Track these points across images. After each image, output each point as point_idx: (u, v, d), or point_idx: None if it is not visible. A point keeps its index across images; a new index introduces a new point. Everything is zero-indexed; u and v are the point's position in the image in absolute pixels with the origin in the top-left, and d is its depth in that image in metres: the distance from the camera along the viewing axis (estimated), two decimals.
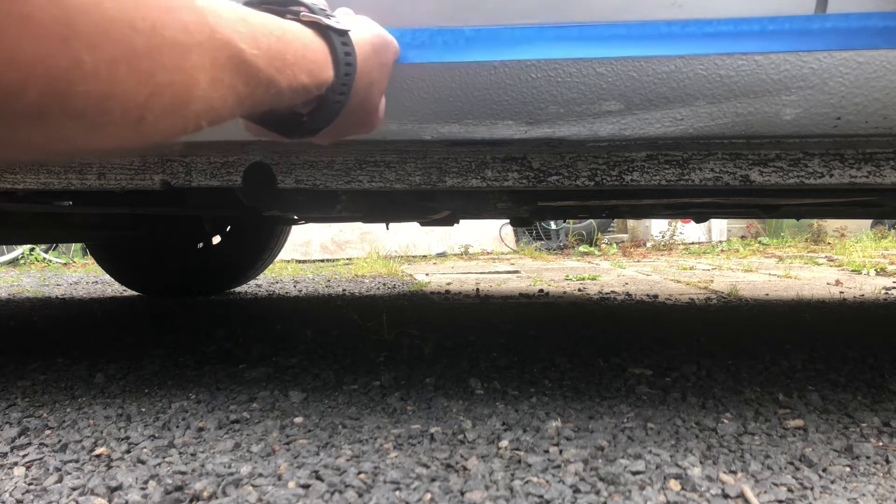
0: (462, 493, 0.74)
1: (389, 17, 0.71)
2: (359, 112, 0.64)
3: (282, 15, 0.54)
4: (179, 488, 0.76)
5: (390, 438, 0.92)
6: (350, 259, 5.34)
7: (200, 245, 2.58)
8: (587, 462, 0.82)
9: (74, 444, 0.93)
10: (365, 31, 0.63)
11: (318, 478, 0.78)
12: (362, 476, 0.78)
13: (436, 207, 1.34)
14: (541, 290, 2.76)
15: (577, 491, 0.75)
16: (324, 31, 0.56)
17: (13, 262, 5.52)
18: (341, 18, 0.59)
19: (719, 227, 7.18)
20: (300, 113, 0.60)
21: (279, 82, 0.49)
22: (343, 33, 0.58)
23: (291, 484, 0.77)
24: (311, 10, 0.56)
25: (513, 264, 4.67)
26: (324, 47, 0.56)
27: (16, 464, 0.86)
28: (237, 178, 0.97)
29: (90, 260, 5.03)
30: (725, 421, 0.97)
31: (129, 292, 2.88)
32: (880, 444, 0.90)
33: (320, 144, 0.71)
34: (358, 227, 5.73)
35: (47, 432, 0.98)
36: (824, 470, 0.81)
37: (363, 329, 1.69)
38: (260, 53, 0.46)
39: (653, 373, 1.24)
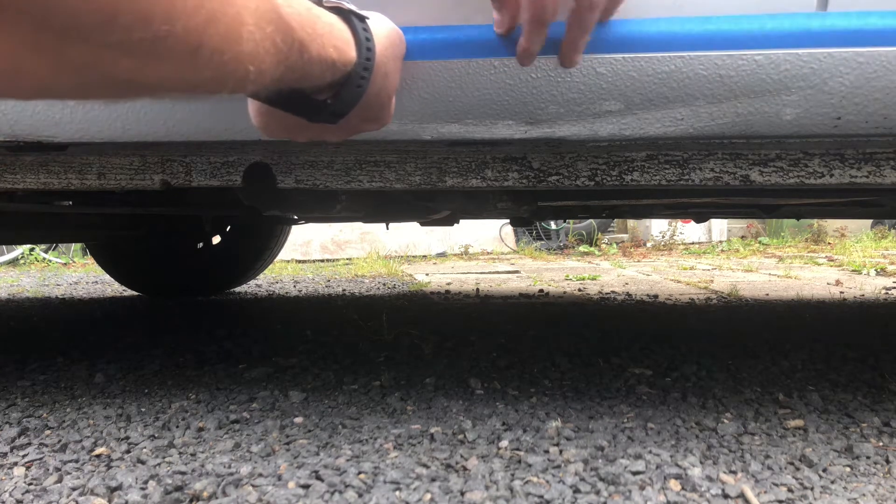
0: (462, 494, 0.74)
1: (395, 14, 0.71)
2: (374, 104, 0.66)
3: None
4: (179, 488, 0.76)
5: (390, 438, 0.92)
6: (350, 259, 5.34)
7: (200, 245, 2.58)
8: (587, 462, 0.82)
9: (74, 444, 0.93)
10: (381, 24, 0.66)
11: (318, 478, 0.78)
12: (362, 476, 0.78)
13: (436, 207, 1.34)
14: (541, 290, 2.76)
15: (577, 491, 0.75)
16: (346, 15, 0.59)
17: (13, 262, 5.52)
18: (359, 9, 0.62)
19: (719, 227, 7.17)
20: (323, 98, 0.62)
21: (310, 49, 0.52)
22: (363, 19, 0.61)
23: (291, 484, 0.77)
24: None
25: (513, 264, 4.67)
26: (346, 29, 0.59)
27: (16, 464, 0.86)
28: (237, 178, 0.97)
29: (90, 260, 5.03)
30: (725, 421, 0.97)
31: (129, 292, 2.88)
32: (880, 444, 0.90)
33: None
34: (358, 227, 5.73)
35: (47, 432, 0.98)
36: (824, 470, 0.81)
37: (363, 329, 1.69)
38: (293, 14, 0.50)
39: (653, 373, 1.24)
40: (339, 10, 0.59)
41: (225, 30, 0.42)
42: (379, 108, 0.68)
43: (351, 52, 0.59)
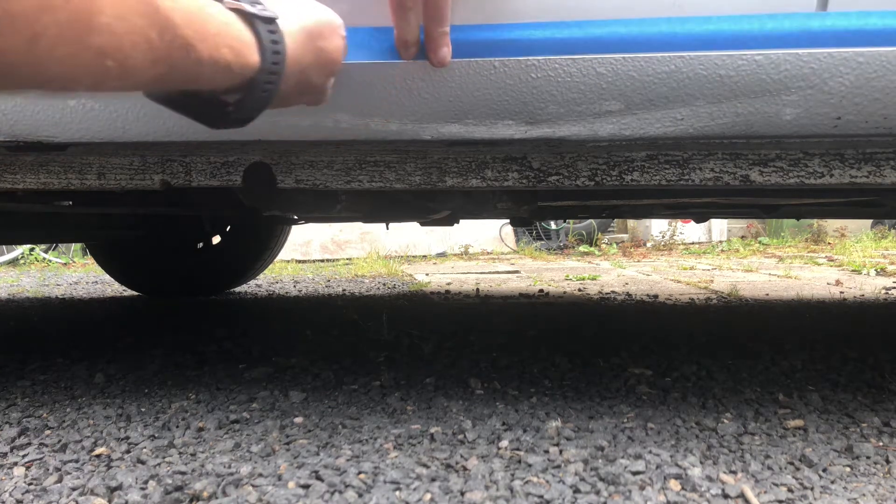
0: (462, 494, 0.74)
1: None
2: (293, 93, 0.64)
3: None
4: (179, 488, 0.76)
5: (390, 438, 0.92)
6: (350, 259, 5.34)
7: (200, 245, 2.58)
8: (587, 462, 0.82)
9: (74, 444, 0.93)
10: (299, 16, 0.62)
11: (318, 478, 0.78)
12: (362, 476, 0.78)
13: (436, 207, 1.34)
14: (541, 291, 2.76)
15: (577, 491, 0.75)
16: (248, 18, 0.55)
17: (13, 262, 5.52)
18: (269, 5, 0.58)
19: (719, 227, 7.17)
20: (226, 101, 0.58)
21: (200, 50, 0.49)
22: (269, 21, 0.57)
23: (291, 484, 0.77)
24: None
25: (513, 264, 4.67)
26: (246, 30, 0.55)
27: (16, 464, 0.86)
28: (237, 178, 0.97)
29: (90, 260, 5.03)
30: (725, 421, 0.97)
31: (129, 292, 2.88)
32: (880, 444, 0.90)
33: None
34: (358, 227, 5.73)
35: (47, 432, 0.98)
36: (824, 470, 0.81)
37: (363, 329, 1.69)
38: (177, 10, 0.46)
39: (653, 373, 1.24)
40: (239, 12, 0.55)
41: (67, 19, 0.39)
42: (305, 96, 0.66)
43: (252, 56, 0.55)
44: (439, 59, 0.74)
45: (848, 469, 0.82)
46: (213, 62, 0.51)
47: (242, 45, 0.54)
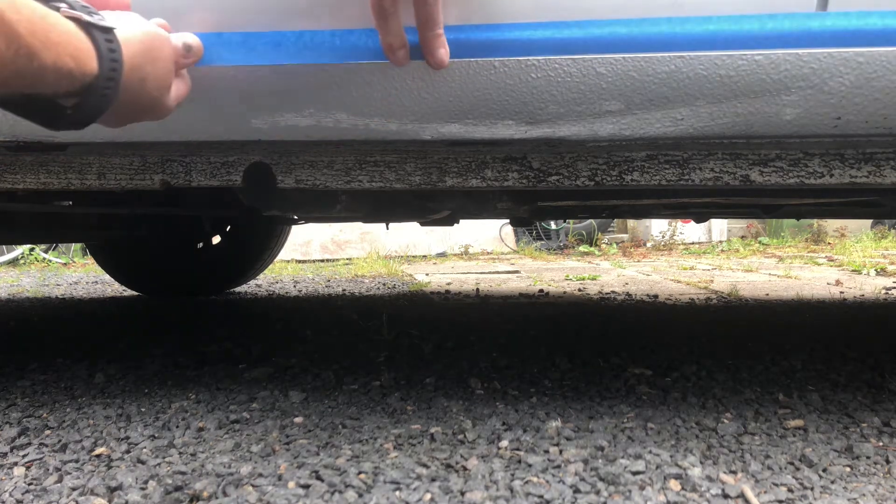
0: (462, 494, 0.74)
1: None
2: (135, 104, 0.67)
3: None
4: (179, 488, 0.76)
5: (390, 438, 0.92)
6: (350, 259, 5.34)
7: (200, 245, 2.58)
8: (587, 462, 0.82)
9: (74, 444, 0.93)
10: (135, 29, 0.65)
11: (318, 478, 0.78)
12: (362, 476, 0.78)
13: (436, 207, 1.34)
14: (541, 291, 2.76)
15: (577, 491, 0.75)
16: (86, 27, 0.59)
17: (13, 262, 5.52)
18: (107, 17, 0.62)
19: (719, 227, 7.17)
20: (64, 105, 0.61)
21: (43, 57, 0.53)
22: (107, 30, 0.60)
23: (291, 484, 0.77)
24: (71, 6, 0.58)
25: (513, 264, 4.67)
26: (86, 39, 0.58)
27: (16, 464, 0.86)
28: (237, 178, 0.97)
29: (90, 260, 5.03)
30: (725, 421, 0.97)
31: (129, 292, 2.88)
32: (880, 444, 0.90)
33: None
34: (358, 227, 5.73)
35: (47, 432, 0.98)
36: (824, 470, 0.81)
37: (363, 329, 1.69)
38: (21, 20, 0.50)
39: (653, 373, 1.24)
40: (77, 21, 0.58)
41: None
42: (148, 106, 0.69)
43: (91, 64, 0.58)
44: (437, 62, 0.74)
45: (848, 469, 0.82)
46: (55, 69, 0.55)
47: (82, 53, 0.58)
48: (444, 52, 0.74)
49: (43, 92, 0.57)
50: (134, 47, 0.64)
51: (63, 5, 0.58)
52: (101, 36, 0.60)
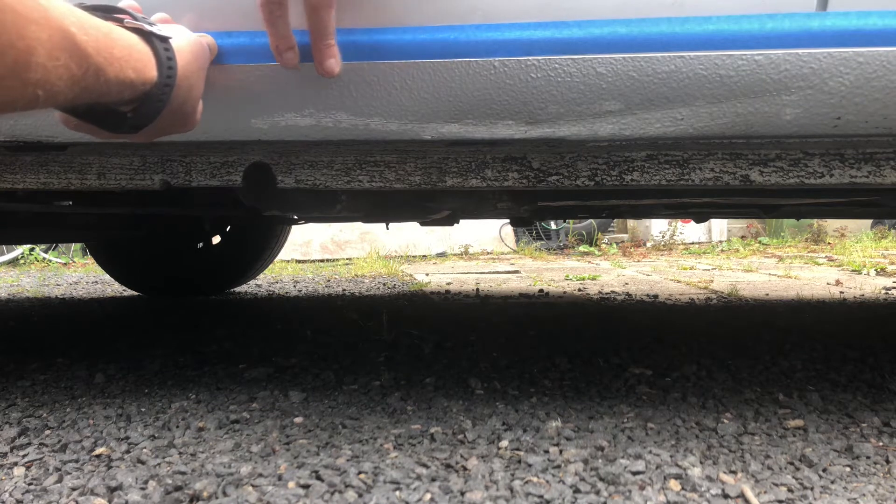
0: (462, 494, 0.74)
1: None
2: (178, 113, 0.69)
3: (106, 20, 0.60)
4: (179, 488, 0.76)
5: (390, 438, 0.92)
6: (350, 259, 5.34)
7: (200, 245, 2.58)
8: (587, 462, 0.82)
9: (74, 444, 0.93)
10: (184, 39, 0.69)
11: (318, 478, 0.78)
12: (362, 476, 0.78)
13: (436, 207, 1.34)
14: (541, 290, 2.76)
15: (577, 491, 0.75)
16: (147, 36, 0.62)
17: (13, 262, 5.52)
18: (162, 27, 0.66)
19: (719, 227, 7.17)
20: (124, 111, 0.65)
21: (108, 72, 0.56)
22: (164, 39, 0.64)
23: (291, 484, 0.77)
24: (134, 18, 0.63)
25: (513, 264, 4.67)
26: (147, 50, 0.62)
27: (16, 464, 0.86)
28: (237, 178, 0.97)
29: (90, 260, 5.03)
30: (725, 421, 0.97)
31: (129, 292, 2.88)
32: (880, 444, 0.90)
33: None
34: (358, 227, 5.73)
35: (47, 432, 0.98)
36: (824, 470, 0.81)
37: (363, 329, 1.69)
38: (90, 41, 0.53)
39: (653, 373, 1.24)
40: (139, 31, 0.62)
41: (12, 61, 0.46)
42: (183, 116, 0.71)
43: (151, 72, 0.62)
44: (325, 71, 0.76)
45: (848, 469, 0.82)
46: (119, 82, 0.58)
47: (143, 64, 0.61)
48: (333, 61, 0.76)
49: (106, 101, 0.60)
50: (186, 56, 0.67)
51: (126, 17, 0.62)
52: (161, 45, 0.63)
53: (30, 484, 0.80)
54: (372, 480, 0.78)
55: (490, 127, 0.80)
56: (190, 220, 2.40)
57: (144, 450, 0.89)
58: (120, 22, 0.61)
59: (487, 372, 1.26)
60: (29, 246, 5.58)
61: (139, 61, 0.60)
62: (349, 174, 0.95)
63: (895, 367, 1.28)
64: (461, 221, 2.09)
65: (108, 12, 0.61)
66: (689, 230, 6.80)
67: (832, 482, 0.78)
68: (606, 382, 1.18)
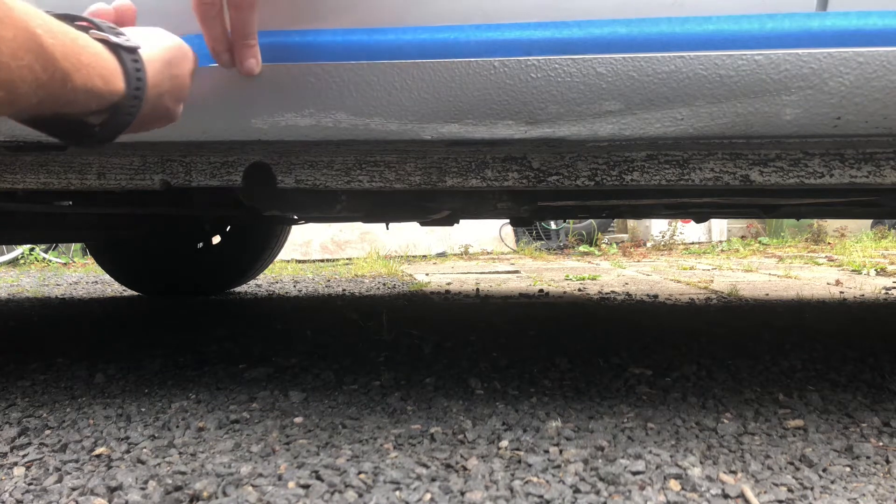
0: (462, 494, 0.74)
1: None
2: (150, 118, 0.69)
3: None
4: (179, 488, 0.76)
5: (390, 438, 0.92)
6: (350, 259, 5.34)
7: (200, 245, 2.58)
8: (587, 462, 0.82)
9: (74, 444, 0.93)
10: (157, 46, 0.67)
11: (318, 478, 0.78)
12: (362, 476, 0.78)
13: (436, 207, 1.34)
14: (541, 290, 2.76)
15: (577, 491, 0.75)
16: (114, 48, 0.61)
17: (13, 262, 5.52)
18: (131, 36, 0.63)
19: (719, 227, 7.17)
20: (91, 123, 0.64)
21: (75, 79, 0.54)
22: (132, 51, 0.62)
23: (291, 484, 0.77)
24: (100, 28, 0.61)
25: (513, 264, 4.67)
26: (114, 60, 0.60)
27: (16, 464, 0.86)
28: (237, 178, 0.97)
29: (90, 260, 5.03)
30: (725, 421, 0.97)
31: (129, 292, 2.88)
32: (880, 444, 0.90)
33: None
34: (358, 227, 5.73)
35: (47, 432, 0.98)
36: (824, 470, 0.81)
37: (363, 329, 1.69)
38: (57, 45, 0.52)
39: (653, 373, 1.24)
40: (105, 42, 0.60)
41: None
42: (156, 119, 0.71)
43: (119, 84, 0.61)
44: (245, 70, 0.77)
45: (848, 469, 0.82)
46: (86, 90, 0.57)
47: (110, 74, 0.60)
48: (253, 62, 0.77)
49: (72, 111, 0.59)
50: (156, 65, 0.66)
51: (92, 28, 0.60)
52: (128, 56, 0.62)
53: (30, 484, 0.80)
54: (372, 480, 0.78)
55: (490, 127, 0.80)
56: (190, 220, 2.40)
57: (144, 450, 0.89)
58: (85, 31, 0.59)
59: (487, 372, 1.26)
60: (29, 246, 5.58)
61: (106, 70, 0.59)
62: (349, 174, 0.95)
63: (895, 367, 1.28)
64: (461, 221, 2.09)
65: (73, 20, 0.60)
66: (689, 230, 6.80)
67: (832, 482, 0.78)
68: (606, 382, 1.18)
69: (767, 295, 2.54)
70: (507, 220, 3.26)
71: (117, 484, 0.77)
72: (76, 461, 0.87)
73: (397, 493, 0.74)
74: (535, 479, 0.77)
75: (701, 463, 0.82)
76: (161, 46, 0.68)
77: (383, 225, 2.94)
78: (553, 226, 6.75)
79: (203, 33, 0.75)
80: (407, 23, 0.78)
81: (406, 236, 5.82)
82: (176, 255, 2.56)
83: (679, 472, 0.78)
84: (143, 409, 1.08)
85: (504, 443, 0.89)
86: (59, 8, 0.59)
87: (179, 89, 0.72)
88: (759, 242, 6.54)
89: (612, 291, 2.70)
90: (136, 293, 2.79)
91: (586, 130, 0.79)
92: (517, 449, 0.87)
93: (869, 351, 1.40)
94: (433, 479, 0.78)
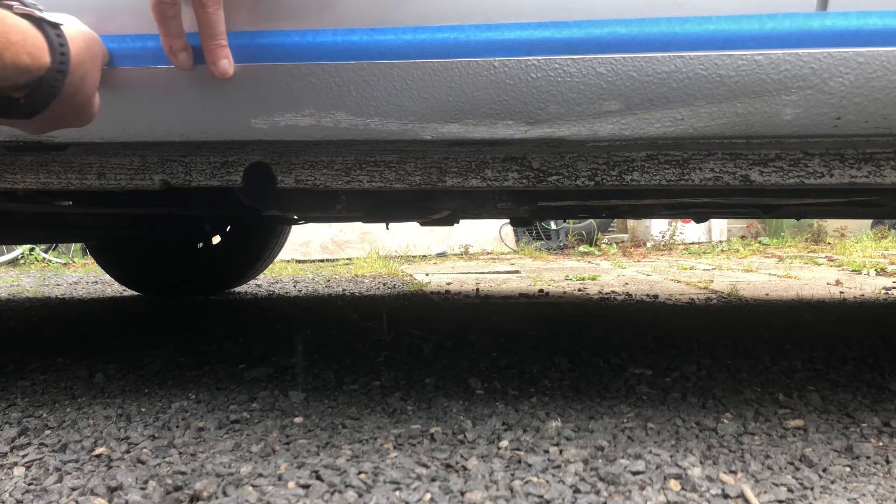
0: (462, 494, 0.74)
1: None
2: (71, 103, 0.70)
3: None
4: (179, 488, 0.76)
5: (390, 438, 0.92)
6: (350, 259, 5.34)
7: (200, 245, 2.58)
8: (587, 462, 0.82)
9: (74, 444, 0.93)
10: (76, 28, 0.69)
11: (319, 478, 0.78)
12: (362, 476, 0.78)
13: (436, 207, 1.34)
14: (541, 290, 2.76)
15: (577, 491, 0.75)
16: (38, 22, 0.63)
17: (13, 262, 5.52)
18: (53, 14, 0.66)
19: (719, 227, 7.17)
20: (15, 97, 0.65)
21: (4, 57, 0.57)
22: (56, 26, 0.65)
23: (291, 484, 0.77)
24: (24, 3, 0.63)
25: (513, 264, 4.67)
26: (40, 36, 0.63)
27: (16, 464, 0.86)
28: (237, 177, 0.97)
29: (90, 260, 5.03)
30: (725, 421, 0.97)
31: (129, 292, 2.88)
32: (880, 444, 0.90)
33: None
34: (358, 227, 5.73)
35: (47, 432, 0.98)
36: (824, 470, 0.81)
37: (363, 329, 1.69)
38: None
39: (653, 373, 1.24)
40: (30, 17, 0.62)
41: None
42: (78, 106, 0.72)
43: (45, 58, 0.63)
44: (218, 72, 0.76)
45: (848, 469, 0.82)
46: (15, 66, 0.60)
47: (37, 49, 0.62)
48: (226, 62, 0.76)
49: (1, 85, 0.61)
50: (78, 44, 0.68)
51: (15, 4, 0.62)
52: (52, 31, 0.64)
53: (30, 484, 0.80)
54: (372, 480, 0.78)
55: (490, 127, 0.80)
56: (190, 220, 2.40)
57: (144, 450, 0.89)
58: (10, 8, 0.61)
59: (487, 372, 1.26)
60: (29, 246, 5.58)
61: (34, 46, 0.61)
62: (349, 174, 0.95)
63: (895, 367, 1.28)
64: (461, 221, 2.09)
65: None
66: (689, 230, 6.80)
67: (832, 482, 0.78)
68: (606, 382, 1.18)
69: (767, 295, 2.54)
70: (507, 220, 3.26)
71: (117, 484, 0.77)
72: (76, 461, 0.87)
73: (397, 493, 0.74)
74: (535, 479, 0.77)
75: (701, 463, 0.82)
76: (79, 29, 0.70)
77: (383, 225, 2.94)
78: (553, 226, 6.75)
79: (160, 33, 0.75)
80: (407, 23, 0.78)
81: (406, 236, 5.82)
82: (176, 255, 2.56)
83: (679, 472, 0.78)
84: (143, 409, 1.08)
85: (504, 443, 0.89)
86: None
87: (97, 77, 0.73)
88: (759, 242, 6.54)
89: (612, 291, 2.70)
90: (136, 293, 2.79)
91: (586, 130, 0.79)
92: (517, 449, 0.87)
93: (869, 351, 1.40)
94: (433, 479, 0.78)
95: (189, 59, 0.77)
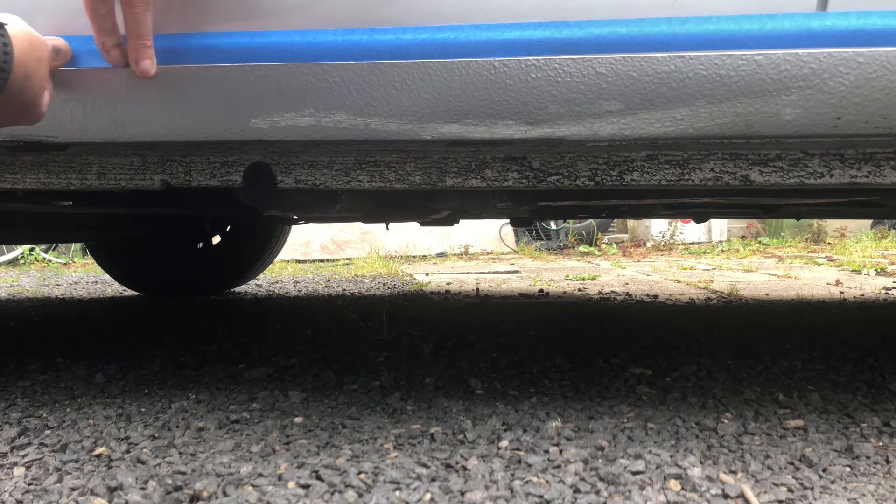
0: (462, 494, 0.74)
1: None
2: (17, 101, 0.70)
3: None
4: (179, 488, 0.76)
5: (390, 438, 0.92)
6: (350, 259, 5.34)
7: (200, 245, 2.58)
8: (587, 462, 0.82)
9: (74, 444, 0.93)
10: (19, 28, 0.69)
11: (319, 478, 0.78)
12: (362, 476, 0.78)
13: (436, 207, 1.34)
14: (541, 290, 2.76)
15: (577, 491, 0.75)
16: None
17: (13, 262, 5.52)
18: None
19: (719, 227, 7.17)
20: None
21: None
22: (0, 26, 0.65)
23: (291, 484, 0.77)
24: None
25: (513, 264, 4.67)
26: None
27: (16, 464, 0.86)
28: (237, 178, 0.97)
29: (90, 260, 5.03)
30: (725, 421, 0.97)
31: (129, 292, 2.88)
32: (880, 444, 0.90)
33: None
34: (358, 227, 5.73)
35: (47, 432, 0.98)
36: (824, 470, 0.81)
37: (363, 329, 1.69)
38: None
39: (653, 373, 1.24)
40: None
41: None
42: (24, 106, 0.72)
43: None
44: (140, 71, 0.77)
45: (848, 469, 0.82)
46: None
47: None
48: (149, 63, 0.77)
49: None
50: (22, 43, 0.68)
51: None
52: None
53: (30, 484, 0.80)
54: (372, 480, 0.78)
55: (490, 127, 0.80)
56: (190, 220, 2.40)
57: (144, 450, 0.89)
58: None
59: (487, 372, 1.26)
60: (29, 246, 5.58)
61: None
62: (349, 174, 0.95)
63: (895, 367, 1.28)
64: (461, 221, 2.09)
65: None
66: (689, 230, 6.80)
67: (832, 482, 0.78)
68: (606, 382, 1.18)
69: (767, 295, 2.54)
70: (507, 220, 3.26)
71: (117, 484, 0.77)
72: (76, 461, 0.87)
73: (397, 493, 0.74)
74: (535, 479, 0.77)
75: (701, 463, 0.82)
76: (24, 29, 0.70)
77: (383, 225, 2.94)
78: (553, 226, 6.75)
79: (93, 30, 0.75)
80: (406, 23, 0.78)
81: (406, 236, 5.82)
82: (176, 255, 2.56)
83: (679, 472, 0.78)
84: (143, 409, 1.08)
85: (504, 443, 0.89)
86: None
87: (43, 77, 0.73)
88: (759, 242, 6.54)
89: (612, 291, 2.70)
90: (136, 293, 2.79)
91: (586, 130, 0.79)
92: (517, 449, 0.87)
93: (869, 351, 1.40)
94: (433, 479, 0.78)
95: (122, 57, 0.78)
